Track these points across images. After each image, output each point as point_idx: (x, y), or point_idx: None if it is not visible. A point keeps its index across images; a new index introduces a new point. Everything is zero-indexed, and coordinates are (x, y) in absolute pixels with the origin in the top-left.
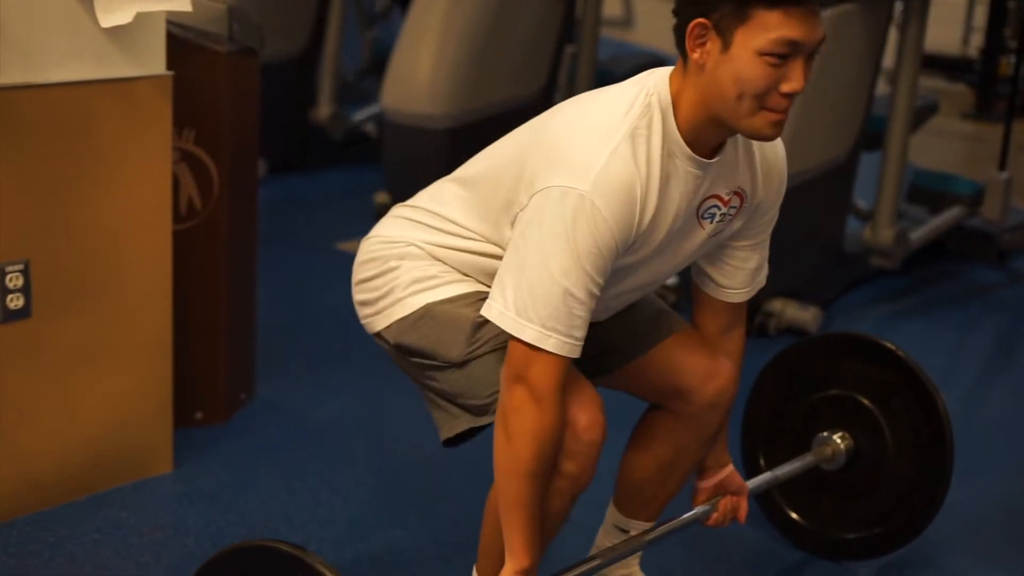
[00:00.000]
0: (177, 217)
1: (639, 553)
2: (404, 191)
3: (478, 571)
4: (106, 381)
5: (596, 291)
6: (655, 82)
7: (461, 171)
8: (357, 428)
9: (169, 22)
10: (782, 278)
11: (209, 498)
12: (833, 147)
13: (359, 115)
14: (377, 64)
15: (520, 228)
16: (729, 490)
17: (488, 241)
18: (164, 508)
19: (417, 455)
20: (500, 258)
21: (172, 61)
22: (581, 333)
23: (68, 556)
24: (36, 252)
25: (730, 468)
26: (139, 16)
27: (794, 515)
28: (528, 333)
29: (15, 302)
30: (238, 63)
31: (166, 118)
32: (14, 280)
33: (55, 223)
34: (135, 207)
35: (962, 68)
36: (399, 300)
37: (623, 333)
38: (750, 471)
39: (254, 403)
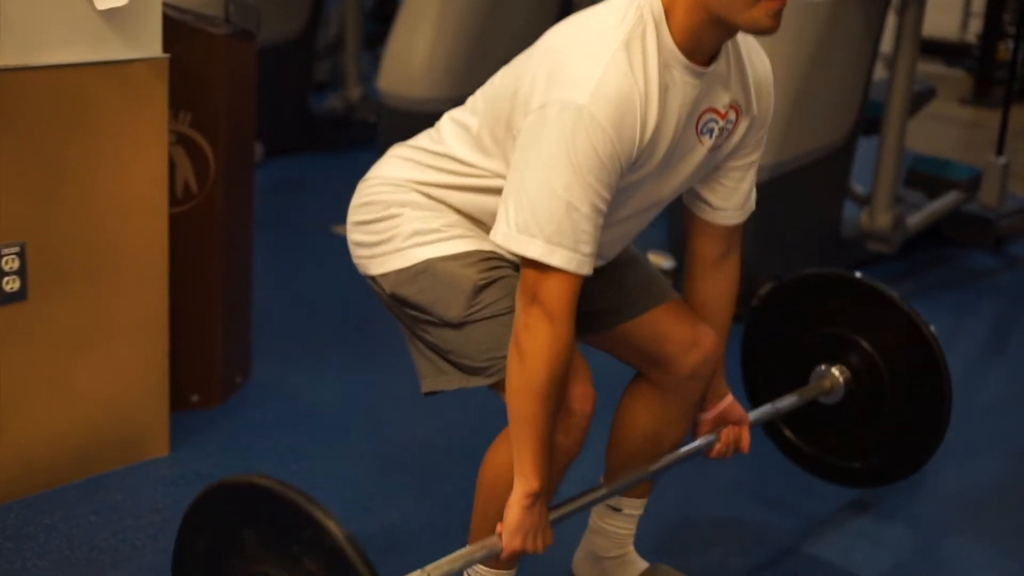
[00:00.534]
0: (173, 200)
1: (633, 535)
2: None
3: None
4: (102, 364)
5: (602, 205)
6: None
7: (458, 110)
8: (352, 410)
9: (165, 4)
10: (779, 261)
11: (205, 481)
12: (831, 132)
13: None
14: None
15: (520, 149)
16: (730, 420)
17: (493, 175)
18: (160, 491)
19: (412, 437)
20: None
21: (168, 44)
22: (589, 248)
23: (64, 539)
24: (32, 234)
25: (730, 399)
26: None
27: (798, 441)
28: (534, 249)
29: (11, 285)
30: (235, 46)
31: (162, 101)
32: (10, 262)
33: (51, 205)
34: (131, 190)
35: (960, 53)
36: (399, 250)
37: (614, 295)
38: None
39: (250, 386)
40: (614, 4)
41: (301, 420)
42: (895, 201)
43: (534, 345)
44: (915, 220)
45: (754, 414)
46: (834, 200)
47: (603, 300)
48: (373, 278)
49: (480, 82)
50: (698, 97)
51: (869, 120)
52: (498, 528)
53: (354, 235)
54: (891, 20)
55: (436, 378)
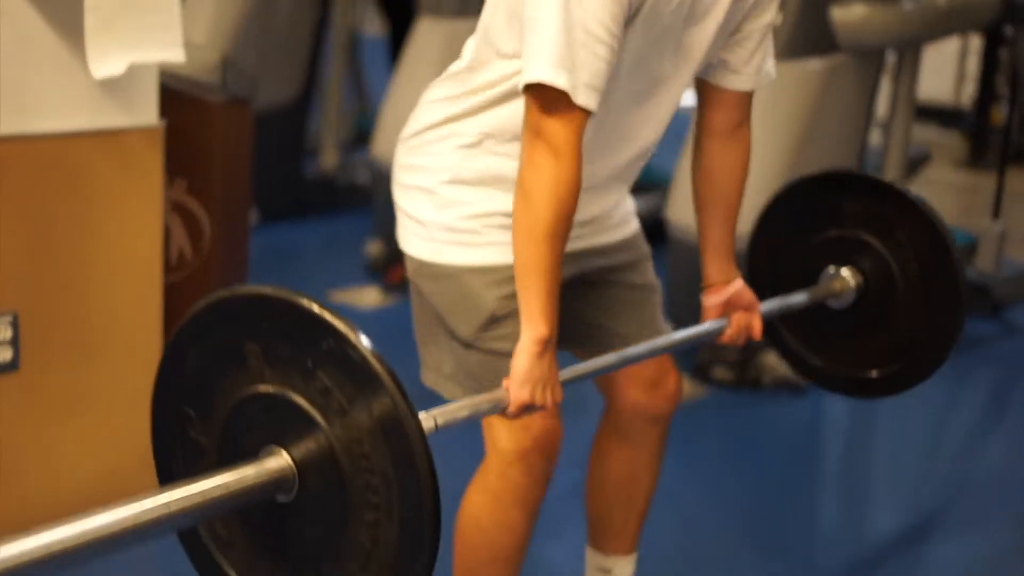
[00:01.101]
0: (168, 267)
1: None
2: (396, 240)
3: None
4: (94, 433)
5: (614, 29)
6: None
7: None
8: None
9: (162, 72)
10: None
11: None
12: None
13: (361, 163)
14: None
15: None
16: (740, 306)
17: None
18: (150, 558)
19: None
20: None
21: (164, 111)
22: (598, 82)
23: None
24: (26, 304)
25: (740, 282)
26: (132, 66)
27: (807, 352)
28: (536, 71)
29: (3, 355)
30: (230, 113)
31: (158, 169)
32: (3, 332)
33: (45, 275)
34: (126, 258)
35: (955, 117)
36: (432, 239)
37: (613, 319)
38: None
39: None
40: None
41: None
42: None
43: (539, 182)
44: None
45: (764, 305)
46: None
47: (605, 317)
48: (403, 250)
49: None
50: None
51: None
52: (504, 383)
53: (396, 196)
54: (885, 85)
55: (436, 376)
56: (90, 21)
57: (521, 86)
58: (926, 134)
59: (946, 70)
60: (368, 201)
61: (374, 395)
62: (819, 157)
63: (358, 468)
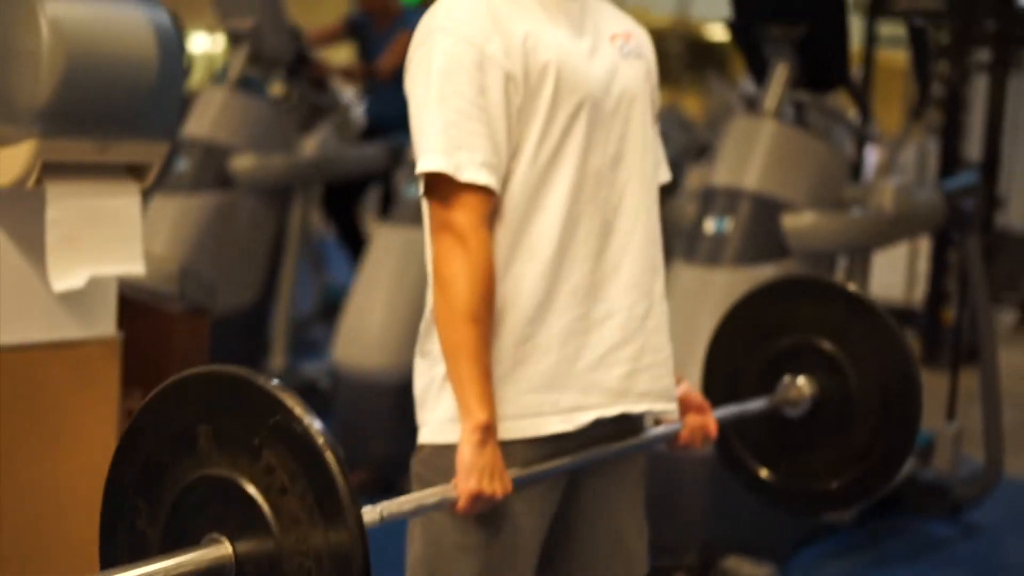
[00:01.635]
0: None
1: None
2: (356, 446)
3: None
4: None
5: (487, 99)
6: None
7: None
8: None
9: (120, 282)
10: (733, 529)
11: None
12: None
13: (311, 368)
14: (328, 310)
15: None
16: (691, 407)
17: None
18: None
19: None
20: None
21: (122, 322)
22: (482, 156)
23: None
24: None
25: (685, 384)
26: (92, 279)
27: (762, 466)
28: (420, 164)
29: None
30: (188, 323)
31: (115, 380)
32: None
33: None
34: (81, 472)
35: (907, 317)
36: (435, 423)
37: (586, 555)
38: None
39: None
40: None
41: None
42: None
43: (450, 269)
44: None
45: (718, 412)
46: None
47: (577, 547)
48: None
49: None
50: (581, 14)
51: None
52: (453, 482)
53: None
54: None
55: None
56: (52, 236)
57: (420, 190)
58: None
59: (897, 270)
60: (327, 406)
61: (318, 477)
62: None
63: (294, 552)
